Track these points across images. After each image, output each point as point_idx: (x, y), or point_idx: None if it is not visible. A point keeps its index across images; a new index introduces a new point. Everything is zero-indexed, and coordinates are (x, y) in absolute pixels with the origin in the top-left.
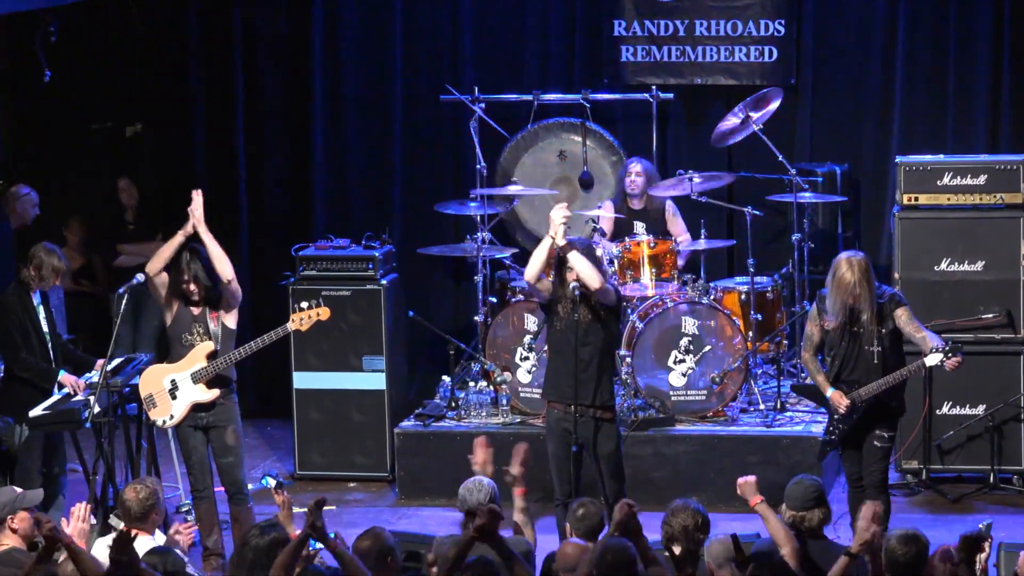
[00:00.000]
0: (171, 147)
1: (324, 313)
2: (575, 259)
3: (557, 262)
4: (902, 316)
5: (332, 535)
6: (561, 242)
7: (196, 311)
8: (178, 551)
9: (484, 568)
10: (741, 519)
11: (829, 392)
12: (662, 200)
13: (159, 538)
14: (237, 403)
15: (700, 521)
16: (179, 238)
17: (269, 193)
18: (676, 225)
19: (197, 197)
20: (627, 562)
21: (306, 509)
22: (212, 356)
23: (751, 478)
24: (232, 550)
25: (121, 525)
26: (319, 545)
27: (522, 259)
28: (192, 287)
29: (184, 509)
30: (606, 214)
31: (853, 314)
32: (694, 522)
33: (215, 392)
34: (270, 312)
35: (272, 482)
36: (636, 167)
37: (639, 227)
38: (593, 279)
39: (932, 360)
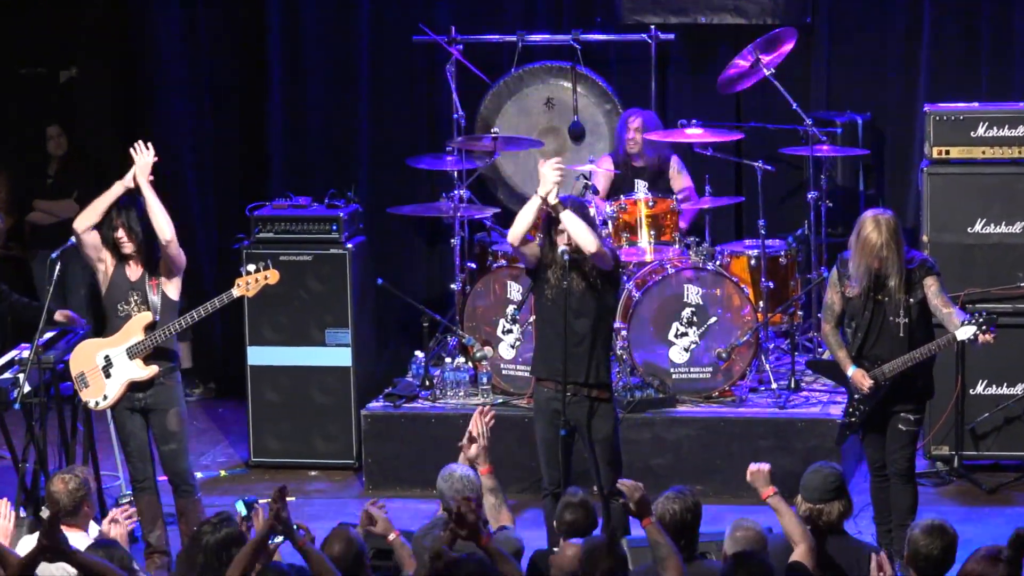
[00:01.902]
0: (109, 95)
1: (273, 276)
2: (568, 220)
3: (546, 223)
4: (931, 286)
5: (297, 529)
6: (553, 200)
7: (133, 277)
8: (123, 546)
9: (478, 568)
10: (750, 511)
11: (851, 371)
12: (666, 155)
13: (94, 533)
14: (180, 382)
15: (689, 504)
16: (117, 189)
17: (220, 145)
18: (681, 182)
19: (146, 149)
20: (617, 562)
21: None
22: (150, 328)
23: (763, 466)
24: (178, 546)
25: None
26: (279, 539)
27: (504, 220)
28: (123, 237)
29: (125, 501)
30: (601, 169)
31: (878, 281)
32: (682, 506)
33: (153, 369)
34: (223, 280)
35: (243, 508)
36: (635, 122)
37: (640, 184)
38: (589, 242)
39: (964, 333)
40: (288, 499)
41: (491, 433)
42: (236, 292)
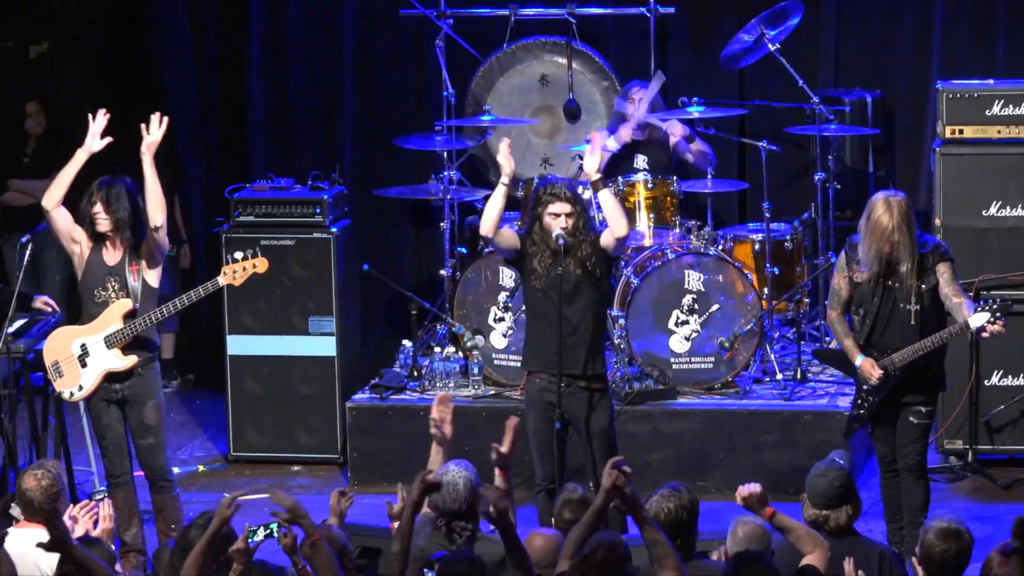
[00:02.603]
0: (82, 71)
1: (261, 265)
2: (606, 200)
3: (535, 203)
4: (944, 273)
5: (279, 527)
6: (596, 175)
7: (111, 261)
8: (107, 543)
9: (471, 567)
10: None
11: (859, 360)
12: (665, 132)
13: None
14: (159, 373)
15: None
16: (80, 157)
17: (199, 124)
18: (674, 127)
19: (159, 122)
20: (619, 560)
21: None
22: (129, 316)
23: (754, 488)
24: (155, 545)
25: (22, 517)
26: (260, 538)
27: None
28: (100, 212)
29: (99, 497)
30: (611, 145)
31: (889, 266)
32: (677, 504)
33: (132, 359)
34: (200, 265)
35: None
36: (639, 92)
37: (640, 160)
38: (621, 224)
39: (978, 320)
40: (263, 495)
41: (482, 427)
42: (222, 280)
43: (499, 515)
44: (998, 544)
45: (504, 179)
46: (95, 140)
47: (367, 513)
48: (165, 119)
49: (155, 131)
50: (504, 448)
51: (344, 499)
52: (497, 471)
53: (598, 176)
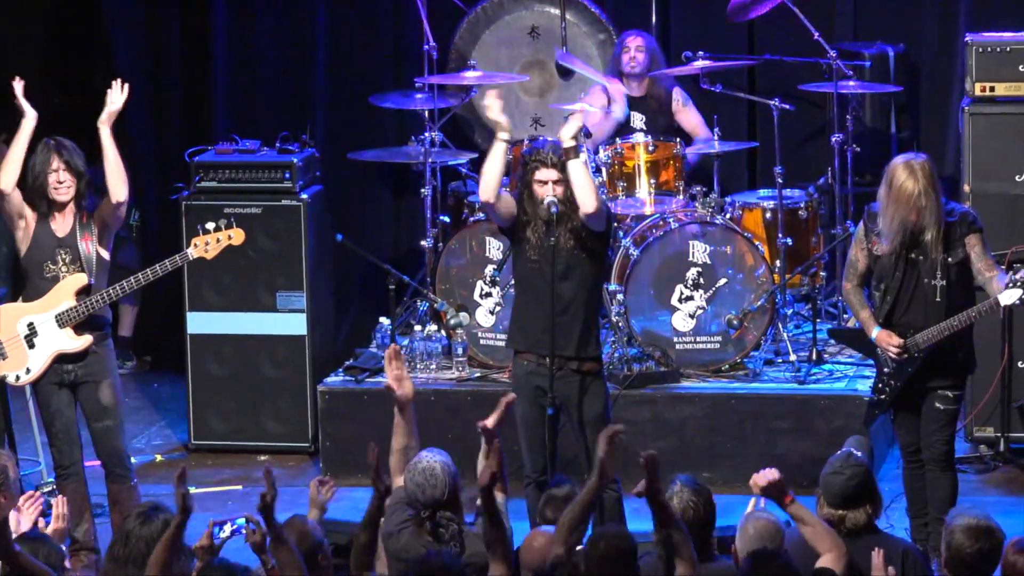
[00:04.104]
0: (26, 21)
1: (237, 236)
2: (575, 171)
3: (523, 171)
4: (975, 246)
5: (247, 523)
6: (569, 142)
7: (61, 232)
8: (55, 542)
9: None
10: (767, 502)
11: (875, 332)
12: (666, 86)
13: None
14: (113, 351)
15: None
16: (28, 126)
17: (156, 82)
18: (690, 118)
19: (120, 88)
20: (624, 552)
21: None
22: (84, 292)
23: (771, 474)
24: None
25: None
26: (225, 533)
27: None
28: (66, 181)
29: (46, 490)
30: (594, 106)
31: (913, 236)
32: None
33: (86, 339)
34: (158, 236)
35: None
36: (636, 40)
37: (637, 119)
38: (589, 199)
39: (1009, 297)
40: (232, 487)
41: (466, 412)
42: (193, 253)
43: (487, 484)
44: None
45: (502, 135)
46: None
47: (340, 507)
48: (127, 86)
49: (117, 98)
50: (490, 422)
51: (325, 489)
52: (484, 446)
53: (572, 144)
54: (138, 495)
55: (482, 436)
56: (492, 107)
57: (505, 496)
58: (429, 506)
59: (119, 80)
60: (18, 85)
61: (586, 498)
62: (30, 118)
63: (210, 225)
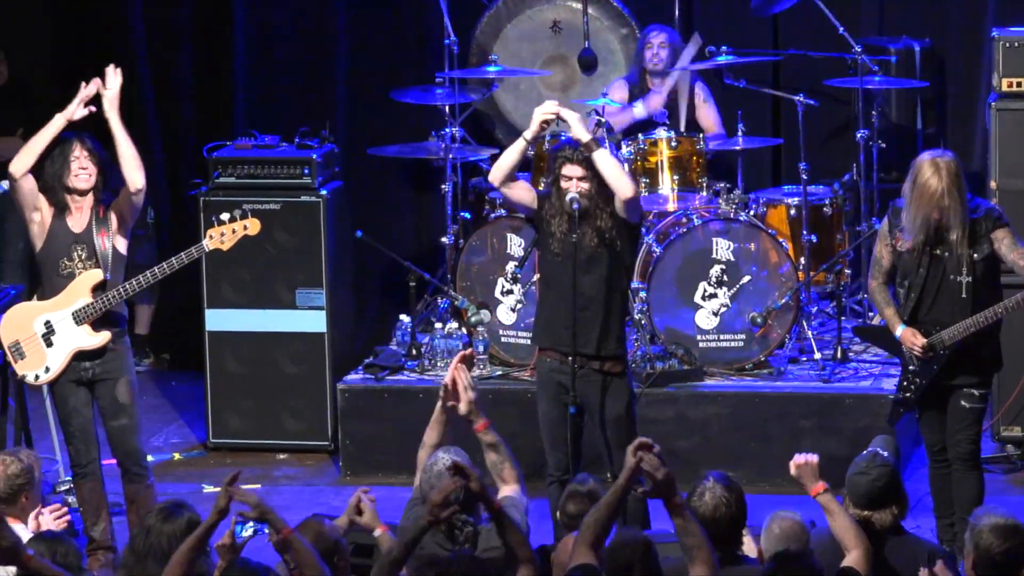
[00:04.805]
0: (37, 13)
1: (253, 226)
2: (602, 160)
3: (553, 167)
4: (1004, 239)
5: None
6: (585, 136)
7: (77, 228)
8: (71, 540)
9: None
10: (790, 501)
11: (899, 330)
12: (689, 82)
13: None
14: (130, 347)
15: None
16: (58, 122)
17: (175, 75)
18: (708, 115)
19: (114, 73)
20: (644, 557)
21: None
22: (100, 288)
23: (811, 458)
24: (126, 540)
25: None
26: (248, 532)
27: None
28: (88, 168)
29: (63, 488)
30: (638, 111)
31: (937, 233)
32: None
33: (104, 336)
34: (176, 232)
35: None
36: (659, 36)
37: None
38: (624, 185)
39: None
40: (251, 486)
41: (488, 412)
42: (208, 245)
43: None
44: None
45: (527, 133)
46: (79, 107)
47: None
48: (119, 70)
49: (112, 83)
50: (447, 380)
51: (364, 504)
52: (475, 427)
53: (588, 137)
54: (155, 495)
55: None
56: (544, 113)
57: (518, 486)
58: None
59: (111, 65)
60: (92, 86)
61: (612, 499)
62: (65, 115)
63: (224, 215)
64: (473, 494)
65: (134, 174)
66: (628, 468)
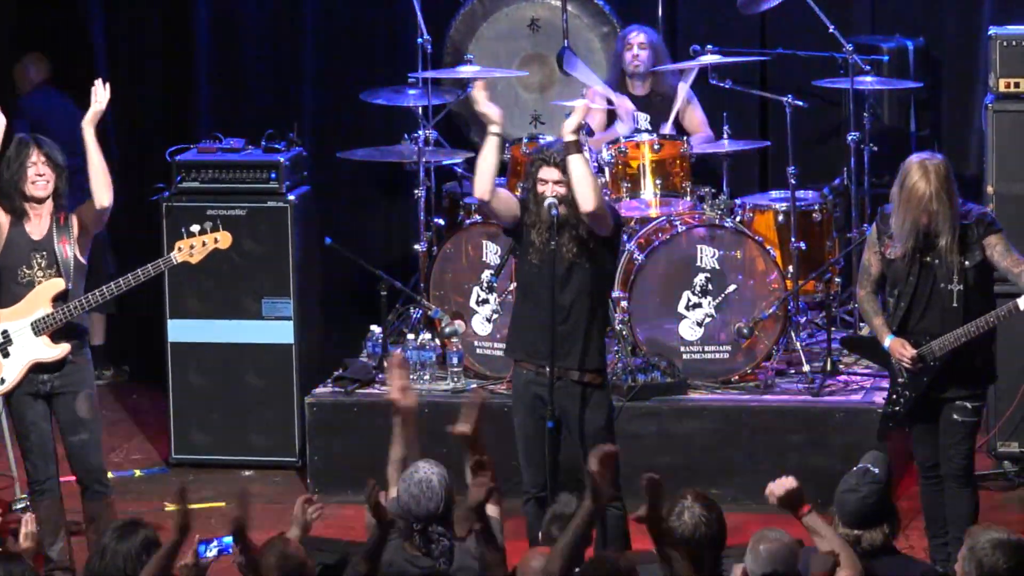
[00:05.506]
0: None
1: (224, 240)
2: (575, 166)
3: (529, 168)
4: (996, 246)
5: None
6: (571, 136)
7: (37, 235)
8: (28, 561)
9: None
10: (777, 520)
11: (888, 341)
12: (672, 84)
13: None
14: (91, 360)
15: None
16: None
17: (136, 76)
18: (693, 117)
19: (103, 89)
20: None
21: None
22: (61, 298)
23: (787, 482)
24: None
25: None
26: (212, 553)
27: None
28: (45, 174)
29: (19, 507)
30: (595, 103)
31: (927, 239)
32: (698, 517)
33: (63, 348)
34: (138, 239)
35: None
36: (639, 36)
37: (641, 119)
38: (588, 197)
39: None
40: (214, 505)
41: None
42: (177, 257)
43: (482, 500)
44: None
45: (492, 128)
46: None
47: (328, 525)
48: (107, 84)
49: (102, 97)
50: (465, 428)
51: (312, 509)
52: (471, 457)
53: (573, 137)
54: (116, 513)
55: (466, 445)
56: (478, 99)
57: (498, 508)
58: (422, 519)
59: (100, 79)
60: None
61: (580, 523)
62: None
63: (195, 227)
64: (486, 495)
65: (103, 192)
66: (590, 483)
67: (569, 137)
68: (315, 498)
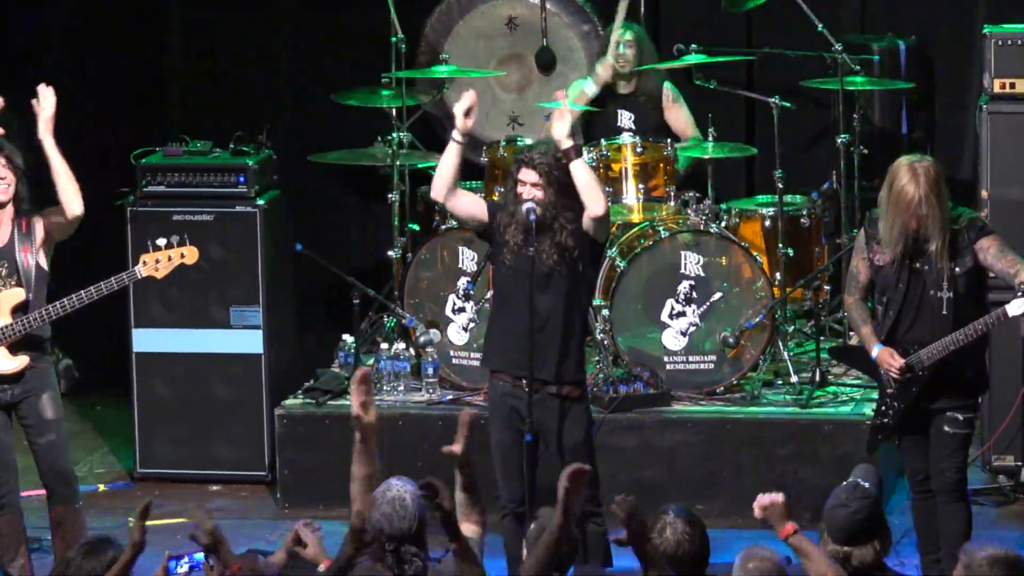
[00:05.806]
0: None
1: (190, 255)
2: (579, 172)
3: (512, 168)
4: (989, 248)
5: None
6: (567, 142)
7: None
8: None
9: None
10: (764, 536)
11: (875, 350)
12: (657, 82)
13: None
14: (53, 365)
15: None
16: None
17: (100, 77)
18: (679, 116)
19: (47, 93)
20: None
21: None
22: (21, 309)
23: (776, 497)
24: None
25: None
26: (182, 570)
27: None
28: (4, 171)
29: None
30: (580, 107)
31: (916, 244)
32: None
33: (22, 360)
34: (100, 246)
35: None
36: (625, 34)
37: (625, 118)
38: (597, 201)
39: (1017, 307)
40: (178, 520)
41: (436, 438)
42: (142, 271)
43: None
44: None
45: (456, 136)
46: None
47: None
48: (51, 88)
49: (47, 103)
50: (456, 448)
51: (312, 532)
52: (459, 480)
53: (570, 143)
54: (84, 520)
55: (455, 466)
56: (460, 105)
57: (481, 530)
58: (395, 538)
59: (43, 84)
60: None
61: (549, 542)
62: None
63: (161, 241)
64: (443, 515)
65: (73, 201)
66: (560, 501)
67: (565, 143)
68: (316, 525)
